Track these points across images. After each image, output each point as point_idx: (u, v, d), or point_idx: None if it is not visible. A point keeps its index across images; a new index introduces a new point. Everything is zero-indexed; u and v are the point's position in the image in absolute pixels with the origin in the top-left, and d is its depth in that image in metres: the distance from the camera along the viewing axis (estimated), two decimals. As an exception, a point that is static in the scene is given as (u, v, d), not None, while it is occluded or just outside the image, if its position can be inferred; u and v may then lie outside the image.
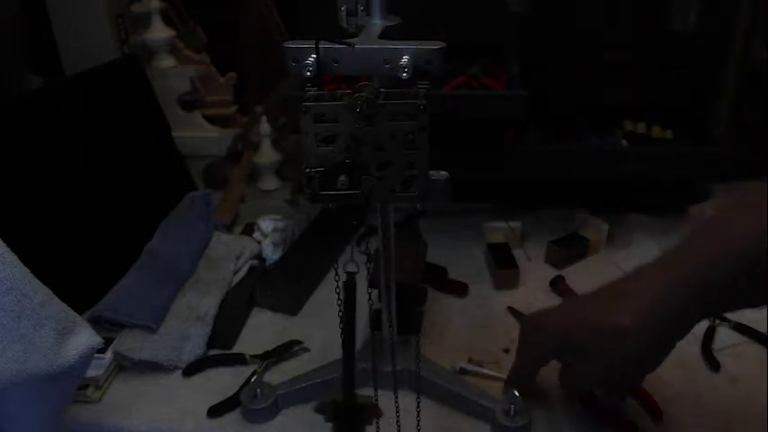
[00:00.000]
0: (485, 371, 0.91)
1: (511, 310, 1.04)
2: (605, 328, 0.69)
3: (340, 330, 0.65)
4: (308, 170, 0.64)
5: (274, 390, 0.86)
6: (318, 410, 0.67)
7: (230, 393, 0.88)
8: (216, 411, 0.86)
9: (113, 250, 1.05)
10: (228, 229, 1.22)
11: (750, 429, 0.82)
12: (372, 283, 0.70)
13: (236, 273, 1.08)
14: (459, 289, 1.08)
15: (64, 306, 0.66)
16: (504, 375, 0.88)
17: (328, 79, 1.16)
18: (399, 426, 0.76)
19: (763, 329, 0.97)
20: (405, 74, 0.63)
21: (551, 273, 1.11)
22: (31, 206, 0.97)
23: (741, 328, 0.98)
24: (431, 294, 1.05)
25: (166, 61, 1.25)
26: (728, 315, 1.00)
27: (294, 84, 1.14)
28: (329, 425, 0.67)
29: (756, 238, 0.60)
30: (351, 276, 0.62)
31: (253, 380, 0.90)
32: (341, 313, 0.65)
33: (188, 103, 1.31)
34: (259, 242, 1.14)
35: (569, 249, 1.14)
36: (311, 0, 1.17)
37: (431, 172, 0.66)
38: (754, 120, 1.21)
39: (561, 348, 0.77)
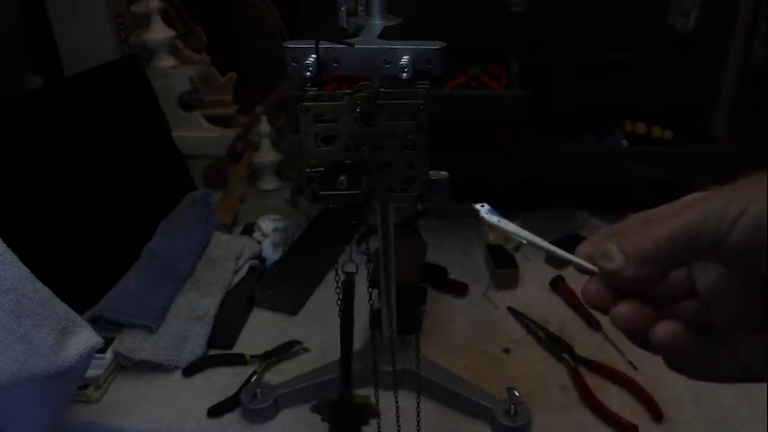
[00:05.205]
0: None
1: (511, 310, 1.04)
2: None
3: (340, 330, 0.65)
4: (308, 170, 0.64)
5: (274, 390, 0.86)
6: (315, 410, 0.67)
7: (230, 393, 0.88)
8: (216, 411, 0.86)
9: (113, 250, 1.05)
10: (228, 229, 1.22)
11: (750, 430, 0.82)
12: (373, 283, 0.70)
13: (236, 273, 1.08)
14: (459, 289, 1.08)
15: (64, 306, 0.66)
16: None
17: (328, 79, 1.16)
18: (399, 426, 0.75)
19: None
20: (405, 74, 0.63)
21: (551, 273, 1.11)
22: (31, 206, 0.97)
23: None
24: (431, 294, 1.05)
25: (166, 61, 1.24)
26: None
27: (294, 84, 1.14)
28: (327, 425, 0.67)
29: None
30: (349, 276, 0.62)
31: (253, 380, 0.90)
32: (341, 313, 0.65)
33: (188, 103, 1.31)
34: (259, 242, 1.14)
35: (569, 249, 1.14)
36: (311, 0, 1.17)
37: (431, 172, 0.66)
38: (753, 120, 1.21)
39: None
